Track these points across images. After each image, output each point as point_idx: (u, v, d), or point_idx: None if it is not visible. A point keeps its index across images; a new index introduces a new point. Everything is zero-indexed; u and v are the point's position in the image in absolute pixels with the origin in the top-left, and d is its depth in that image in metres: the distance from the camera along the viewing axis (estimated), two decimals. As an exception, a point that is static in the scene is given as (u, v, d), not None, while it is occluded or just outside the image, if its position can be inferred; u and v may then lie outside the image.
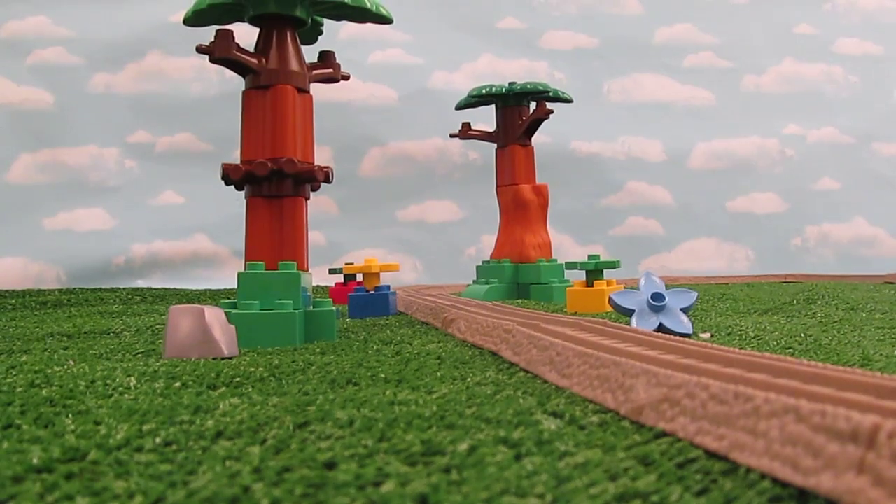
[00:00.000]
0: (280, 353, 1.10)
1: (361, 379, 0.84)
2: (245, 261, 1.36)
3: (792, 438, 0.44)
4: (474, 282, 2.55)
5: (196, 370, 0.90)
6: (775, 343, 1.06)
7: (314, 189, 1.45)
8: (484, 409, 0.65)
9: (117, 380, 0.83)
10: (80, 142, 3.69)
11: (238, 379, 0.85)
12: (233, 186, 1.38)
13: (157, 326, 1.58)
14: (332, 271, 2.69)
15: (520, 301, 2.28)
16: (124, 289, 2.97)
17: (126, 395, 0.75)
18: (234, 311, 1.24)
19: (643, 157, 4.12)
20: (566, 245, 3.91)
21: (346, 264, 2.32)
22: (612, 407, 0.65)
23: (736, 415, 0.50)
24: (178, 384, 0.81)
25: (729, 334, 1.18)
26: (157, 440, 0.56)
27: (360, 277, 2.54)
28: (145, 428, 0.60)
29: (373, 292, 1.92)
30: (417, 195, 3.93)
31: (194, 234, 3.62)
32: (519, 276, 2.46)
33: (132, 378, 0.84)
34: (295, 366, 0.94)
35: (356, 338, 1.32)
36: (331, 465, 0.50)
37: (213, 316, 1.09)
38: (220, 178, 1.36)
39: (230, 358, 1.05)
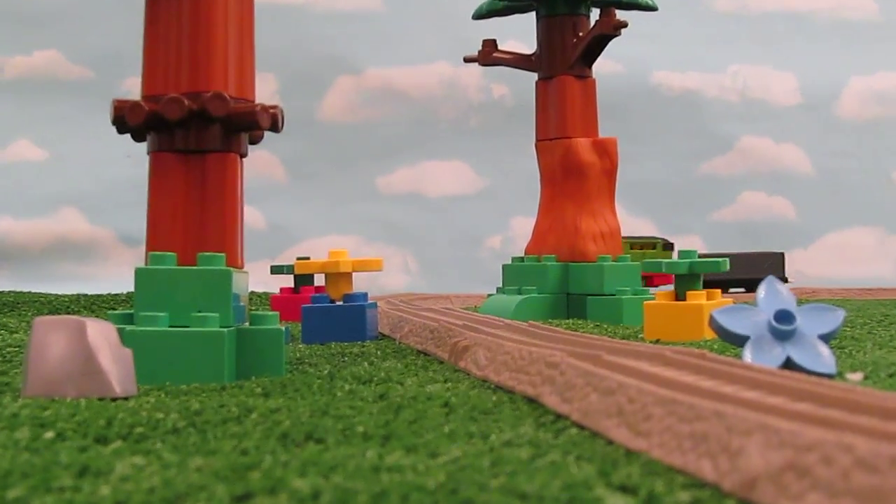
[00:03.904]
0: (201, 394, 1.13)
1: (328, 433, 0.86)
2: (146, 251, 1.38)
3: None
4: (499, 290, 2.57)
5: (75, 415, 0.93)
6: (965, 390, 1.08)
7: (254, 141, 1.47)
8: (518, 481, 0.68)
9: (-44, 428, 0.86)
10: None
11: (140, 429, 0.88)
12: (129, 135, 1.41)
13: (10, 349, 1.61)
14: (275, 269, 2.72)
15: (570, 321, 2.30)
16: (-49, 292, 3.00)
17: (-28, 452, 0.78)
18: (129, 328, 1.26)
19: (766, 98, 4.15)
20: (644, 233, 3.92)
21: (299, 259, 2.33)
22: (710, 479, 0.68)
23: (894, 489, 0.52)
24: (50, 434, 0.84)
25: (892, 375, 1.20)
26: (26, 516, 0.59)
27: (319, 280, 2.56)
28: (10, 495, 0.63)
29: (341, 304, 1.94)
30: (410, 152, 3.94)
31: (61, 209, 3.66)
32: (570, 281, 2.48)
33: (-22, 426, 0.87)
34: (226, 412, 0.96)
35: (316, 372, 1.34)
36: (289, 556, 0.53)
37: (100, 334, 1.12)
38: (108, 122, 1.38)
39: (125, 398, 1.08)
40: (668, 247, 3.93)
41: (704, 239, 3.97)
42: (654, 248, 3.91)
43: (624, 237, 3.88)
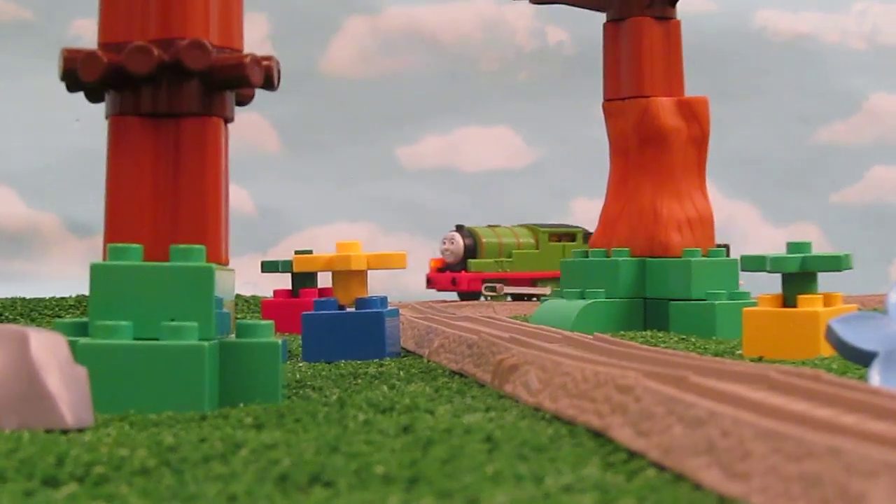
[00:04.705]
0: (176, 424, 1.14)
1: (338, 475, 0.87)
2: (104, 242, 1.40)
3: None
4: (556, 293, 2.58)
5: (17, 451, 0.94)
6: None
7: (242, 102, 1.49)
8: (579, 535, 0.69)
9: None
10: None
11: (100, 469, 0.89)
12: (81, 94, 1.42)
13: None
14: (268, 266, 2.73)
15: (648, 333, 2.30)
16: None
17: None
18: (83, 341, 1.28)
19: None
20: (744, 221, 3.92)
21: (298, 253, 2.35)
22: (826, 534, 0.68)
23: None
24: (-14, 476, 0.86)
25: None
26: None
27: (325, 280, 2.57)
28: (-62, 553, 0.65)
29: (352, 311, 1.95)
30: (441, 116, 3.94)
31: (-8, 189, 3.68)
32: (648, 282, 2.48)
33: None
34: (208, 448, 0.98)
35: (322, 398, 1.36)
36: None
37: (47, 350, 1.13)
38: (54, 77, 1.40)
39: (80, 430, 1.09)
40: (588, 238, 3.84)
41: (822, 227, 3.96)
42: (573, 239, 3.84)
43: (539, 226, 3.83)
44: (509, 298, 3.74)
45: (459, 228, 3.74)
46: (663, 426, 0.96)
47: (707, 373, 1.10)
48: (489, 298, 3.67)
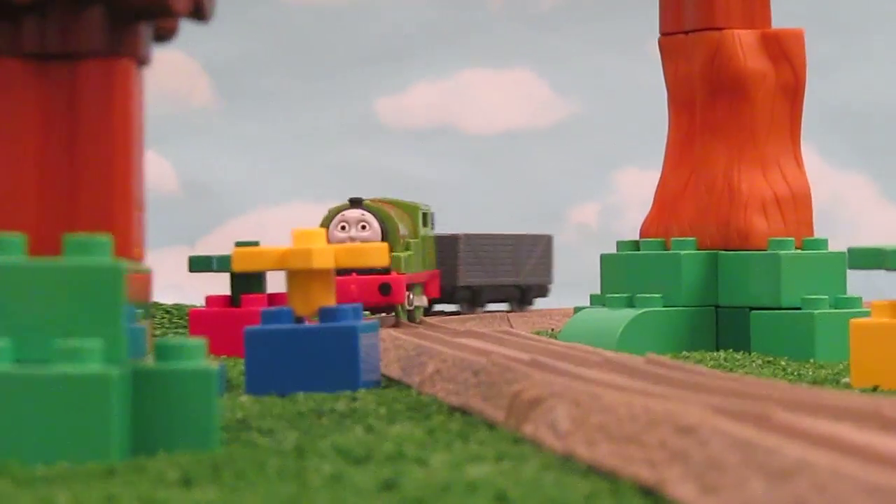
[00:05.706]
0: (74, 480, 1.15)
1: (295, 549, 0.89)
2: (-26, 232, 1.42)
3: None
4: (595, 299, 2.59)
5: None
6: None
7: (162, 37, 1.50)
8: None
9: None
10: None
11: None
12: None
13: None
14: (198, 264, 2.75)
15: (721, 354, 2.31)
16: None
17: None
18: (-54, 368, 1.29)
19: None
20: (855, 199, 3.94)
21: (239, 245, 2.36)
22: None
23: None
24: None
25: None
26: None
27: (276, 283, 2.59)
28: None
29: (314, 325, 1.97)
30: (437, 55, 3.96)
31: None
32: (720, 284, 2.50)
33: None
34: (117, 512, 0.99)
35: (273, 444, 1.37)
36: None
37: None
38: None
39: (-58, 489, 1.11)
40: (429, 219, 3.63)
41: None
42: (424, 222, 3.56)
43: (411, 203, 3.56)
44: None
45: (357, 203, 3.17)
46: (738, 479, 0.98)
47: (799, 407, 1.12)
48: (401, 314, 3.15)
